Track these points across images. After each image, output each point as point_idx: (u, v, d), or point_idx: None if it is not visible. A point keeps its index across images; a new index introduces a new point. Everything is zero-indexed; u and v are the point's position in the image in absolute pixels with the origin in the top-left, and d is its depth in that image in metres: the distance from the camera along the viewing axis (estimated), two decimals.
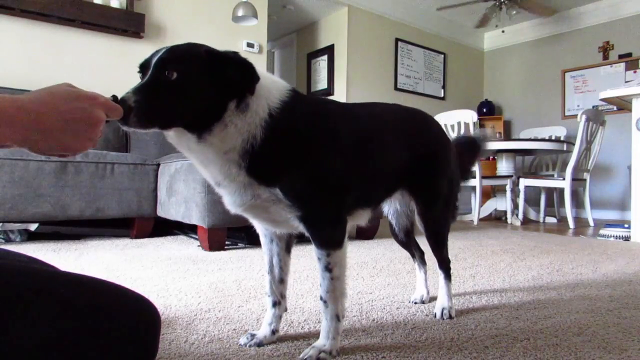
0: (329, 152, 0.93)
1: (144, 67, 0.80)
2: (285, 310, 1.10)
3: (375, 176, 1.09)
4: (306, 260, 2.11)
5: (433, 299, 1.39)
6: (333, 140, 0.95)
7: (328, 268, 0.94)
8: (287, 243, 1.09)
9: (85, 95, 0.65)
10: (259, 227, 1.07)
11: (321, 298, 0.96)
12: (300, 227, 0.94)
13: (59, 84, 0.66)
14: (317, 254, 0.94)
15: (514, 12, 5.18)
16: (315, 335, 1.04)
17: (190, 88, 0.79)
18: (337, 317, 0.96)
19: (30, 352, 0.57)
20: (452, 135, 4.54)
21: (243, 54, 0.86)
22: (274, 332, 1.04)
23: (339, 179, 0.95)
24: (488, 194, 5.33)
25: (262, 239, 1.09)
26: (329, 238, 0.94)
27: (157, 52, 0.81)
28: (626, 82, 5.34)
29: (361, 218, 1.14)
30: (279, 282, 1.08)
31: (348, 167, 0.97)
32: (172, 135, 0.85)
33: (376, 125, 1.09)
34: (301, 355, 0.93)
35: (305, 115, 0.93)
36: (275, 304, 1.07)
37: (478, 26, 5.67)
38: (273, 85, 0.90)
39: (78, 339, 0.61)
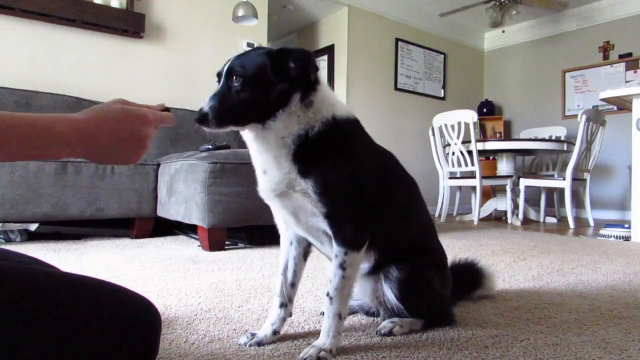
0: (374, 169, 1.02)
1: (219, 76, 0.93)
2: (290, 315, 1.11)
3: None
4: (309, 261, 2.10)
5: None
6: (378, 163, 1.05)
7: (342, 266, 0.96)
8: (305, 249, 1.12)
9: (136, 115, 0.71)
10: (282, 227, 1.10)
11: (328, 294, 0.97)
12: (323, 225, 0.96)
13: (112, 102, 0.73)
14: (335, 251, 0.96)
15: (514, 12, 5.18)
16: (316, 335, 1.04)
17: (253, 90, 0.89)
18: (340, 316, 0.97)
19: (29, 352, 0.57)
20: (453, 135, 4.54)
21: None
22: (275, 332, 1.05)
23: (373, 194, 0.99)
24: (488, 194, 5.33)
25: (282, 241, 1.11)
26: (351, 238, 0.96)
27: (228, 61, 0.93)
28: (626, 82, 5.34)
29: None
30: (290, 285, 1.10)
31: (380, 191, 1.03)
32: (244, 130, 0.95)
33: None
34: (301, 355, 0.93)
35: (363, 134, 1.04)
36: (283, 305, 1.08)
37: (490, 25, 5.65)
38: (340, 104, 1.00)
39: (78, 340, 0.61)
